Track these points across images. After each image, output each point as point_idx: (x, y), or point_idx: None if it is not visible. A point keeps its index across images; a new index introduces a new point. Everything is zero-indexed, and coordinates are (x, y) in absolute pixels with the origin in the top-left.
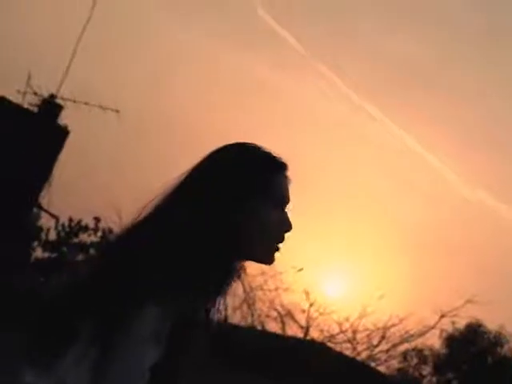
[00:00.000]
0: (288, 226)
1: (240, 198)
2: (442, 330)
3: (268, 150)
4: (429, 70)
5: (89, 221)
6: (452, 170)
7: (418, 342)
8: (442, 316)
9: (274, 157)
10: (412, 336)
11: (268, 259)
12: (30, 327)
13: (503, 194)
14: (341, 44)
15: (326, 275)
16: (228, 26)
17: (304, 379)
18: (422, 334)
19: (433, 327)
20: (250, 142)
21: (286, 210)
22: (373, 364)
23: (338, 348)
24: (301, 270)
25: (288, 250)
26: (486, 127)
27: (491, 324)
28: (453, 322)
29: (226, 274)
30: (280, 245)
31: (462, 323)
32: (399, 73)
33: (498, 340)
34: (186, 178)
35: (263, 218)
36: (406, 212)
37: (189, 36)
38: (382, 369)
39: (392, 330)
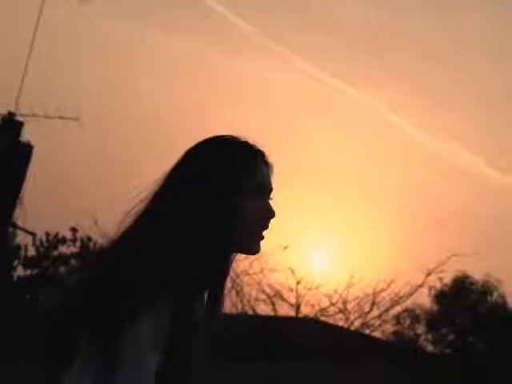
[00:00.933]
0: (272, 214)
1: (223, 191)
2: (430, 288)
3: (245, 140)
4: (386, 33)
5: (66, 232)
6: (424, 130)
7: (409, 303)
8: (429, 274)
9: (252, 146)
10: (402, 298)
11: (254, 248)
12: (34, 350)
13: (479, 149)
14: (289, 17)
15: (308, 251)
16: (177, 18)
17: (301, 356)
18: (411, 294)
19: (421, 286)
20: (226, 134)
21: (268, 198)
22: (367, 331)
23: (331, 320)
24: (286, 247)
25: (269, 229)
26: (455, 86)
27: (477, 274)
28: (440, 278)
29: (223, 267)
30: (264, 233)
31: (448, 278)
32: (357, 38)
33: (486, 289)
34: (168, 177)
35: (248, 209)
36: (381, 178)
37: (137, 32)
38: (377, 334)
39: (381, 294)
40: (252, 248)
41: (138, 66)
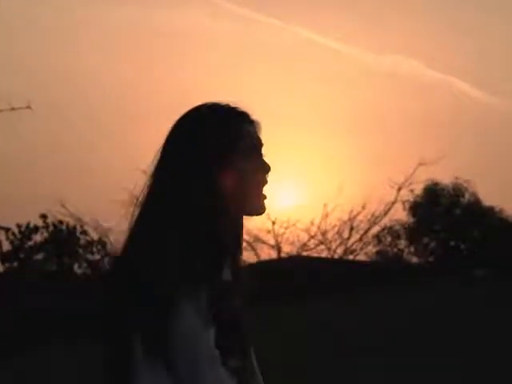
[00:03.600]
0: (267, 169)
1: (218, 158)
2: (403, 202)
3: (227, 104)
4: None
5: (36, 220)
6: (373, 50)
7: (386, 221)
8: (400, 189)
9: (236, 108)
10: (378, 217)
11: (260, 208)
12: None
13: (435, 63)
14: None
15: (277, 189)
16: None
17: (287, 297)
18: (386, 212)
19: (394, 202)
20: (208, 101)
21: (261, 155)
22: (351, 256)
23: (314, 253)
24: None
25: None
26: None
27: (446, 179)
28: (411, 191)
29: (238, 232)
30: (265, 191)
31: (419, 189)
32: None
33: (457, 191)
34: (163, 154)
35: (245, 170)
36: (336, 106)
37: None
38: (361, 257)
39: (358, 218)
40: (257, 208)
41: (81, 45)
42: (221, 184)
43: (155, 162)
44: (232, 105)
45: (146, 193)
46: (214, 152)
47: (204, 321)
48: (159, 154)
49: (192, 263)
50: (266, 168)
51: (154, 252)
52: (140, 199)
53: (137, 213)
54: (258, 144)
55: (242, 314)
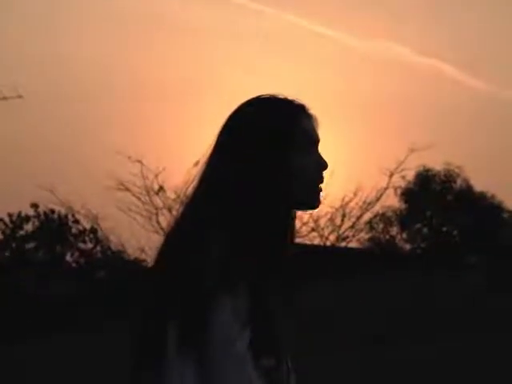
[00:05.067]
0: (324, 165)
1: (276, 151)
2: (395, 188)
3: (285, 97)
4: None
5: (27, 209)
6: (356, 34)
7: (378, 208)
8: (391, 175)
9: (294, 101)
10: (370, 204)
11: (315, 202)
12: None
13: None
14: None
15: None
16: None
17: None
18: (378, 198)
19: (386, 188)
20: (267, 94)
21: (318, 149)
22: (343, 243)
23: (306, 240)
24: None
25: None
26: None
27: (438, 165)
28: (403, 177)
29: (290, 226)
30: (322, 185)
31: (411, 175)
32: None
33: (449, 177)
34: (219, 145)
35: (303, 164)
36: (329, 87)
37: None
38: (353, 245)
39: (350, 205)
40: (313, 202)
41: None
42: (279, 178)
43: (211, 150)
44: (290, 98)
45: (198, 180)
46: (273, 146)
47: (241, 318)
48: (214, 143)
49: (238, 260)
50: (323, 164)
51: (201, 244)
52: (189, 188)
53: (186, 201)
54: (316, 138)
55: (281, 313)
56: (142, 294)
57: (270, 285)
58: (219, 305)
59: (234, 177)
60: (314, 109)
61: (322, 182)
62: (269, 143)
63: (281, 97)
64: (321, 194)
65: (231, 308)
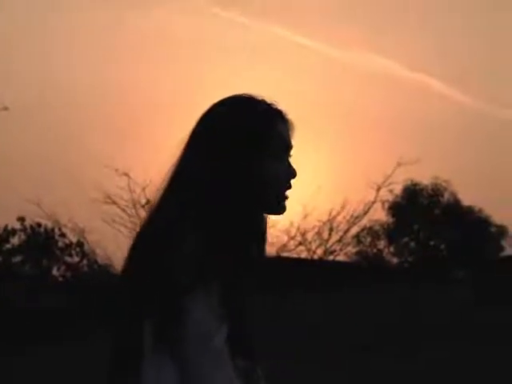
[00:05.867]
0: (294, 173)
1: (246, 154)
2: (383, 202)
3: (262, 99)
4: None
5: (13, 223)
6: (340, 47)
7: (366, 221)
8: (379, 188)
9: (271, 105)
10: (357, 218)
11: (280, 208)
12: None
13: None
14: None
15: None
16: None
17: (271, 297)
18: (365, 212)
19: (374, 202)
20: (245, 94)
21: (289, 156)
22: (331, 257)
23: (294, 254)
24: None
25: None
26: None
27: (425, 179)
28: (390, 191)
29: (262, 229)
30: (288, 193)
31: (398, 189)
32: None
33: (436, 192)
34: (189, 145)
35: (272, 169)
36: (316, 100)
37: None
38: (341, 258)
39: (337, 219)
40: (278, 208)
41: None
42: (253, 179)
43: (182, 149)
44: (268, 101)
45: (169, 178)
46: (249, 146)
47: (216, 316)
48: (188, 138)
49: (212, 258)
50: (292, 172)
51: (175, 241)
52: (162, 185)
53: (158, 199)
54: (289, 145)
55: (252, 315)
56: (117, 295)
57: (244, 284)
58: (194, 302)
59: (209, 175)
60: (300, 121)
61: (289, 189)
62: (245, 143)
63: (259, 98)
64: (286, 201)
65: (206, 305)
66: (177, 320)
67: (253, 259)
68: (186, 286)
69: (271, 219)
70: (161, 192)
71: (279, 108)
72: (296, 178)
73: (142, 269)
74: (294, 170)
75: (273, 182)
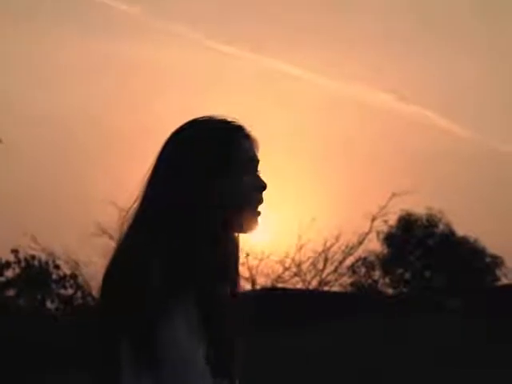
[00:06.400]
0: (263, 187)
1: (211, 173)
2: (378, 233)
3: (223, 118)
4: None
5: (7, 255)
6: (333, 76)
7: (360, 252)
8: (374, 219)
9: (232, 122)
10: (352, 248)
11: (253, 225)
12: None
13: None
14: None
15: None
16: None
17: (263, 328)
18: (360, 243)
19: (368, 233)
20: (205, 116)
21: (256, 171)
22: (326, 288)
23: (289, 285)
24: None
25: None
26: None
27: (420, 210)
28: (385, 221)
29: (232, 250)
30: (260, 208)
31: (393, 219)
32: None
33: (431, 222)
34: (156, 168)
35: (239, 186)
36: (310, 132)
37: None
38: (336, 289)
39: (332, 249)
40: (251, 225)
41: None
42: (215, 198)
43: (148, 176)
44: (228, 119)
45: (138, 204)
46: (208, 165)
47: (194, 334)
48: (152, 167)
49: (186, 275)
50: (261, 185)
51: (149, 260)
52: (131, 210)
53: (128, 223)
54: (254, 160)
55: (233, 336)
56: (94, 319)
57: (221, 301)
58: (171, 322)
59: (173, 205)
60: (295, 153)
61: (261, 203)
62: (207, 164)
63: (218, 118)
64: (259, 217)
65: (184, 324)
66: (152, 342)
67: (225, 277)
68: (159, 307)
69: (266, 246)
70: (129, 221)
71: (240, 124)
72: (288, 208)
73: (115, 291)
74: (262, 182)
75: (241, 198)
